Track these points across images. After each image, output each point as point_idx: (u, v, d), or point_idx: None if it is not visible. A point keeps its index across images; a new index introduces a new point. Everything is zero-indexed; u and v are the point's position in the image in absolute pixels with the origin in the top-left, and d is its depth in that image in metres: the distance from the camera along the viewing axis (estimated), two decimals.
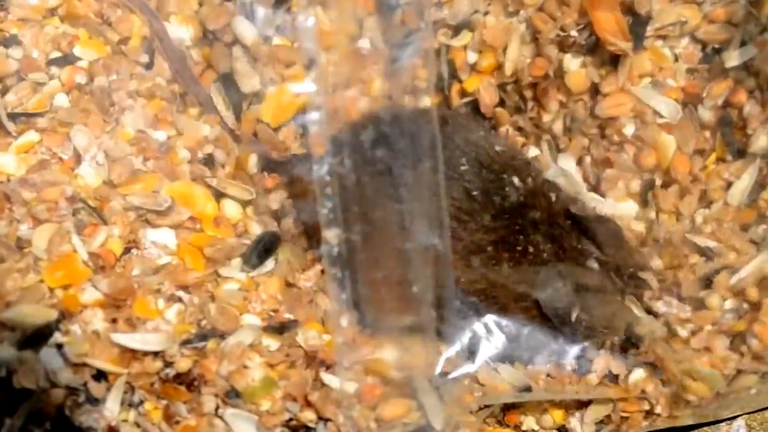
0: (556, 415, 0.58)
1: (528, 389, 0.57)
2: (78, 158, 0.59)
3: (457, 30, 0.66)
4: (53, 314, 0.53)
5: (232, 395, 0.54)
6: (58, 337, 0.53)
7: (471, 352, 0.57)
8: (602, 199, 0.63)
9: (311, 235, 0.61)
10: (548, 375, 0.58)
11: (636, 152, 0.63)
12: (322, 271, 0.59)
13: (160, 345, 0.54)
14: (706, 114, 0.63)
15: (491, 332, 0.58)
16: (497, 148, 0.60)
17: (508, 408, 0.59)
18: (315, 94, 0.52)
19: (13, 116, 0.60)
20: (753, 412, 0.62)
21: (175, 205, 0.58)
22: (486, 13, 0.65)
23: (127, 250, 0.57)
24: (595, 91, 0.64)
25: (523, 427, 0.59)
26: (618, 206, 0.63)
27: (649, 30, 0.62)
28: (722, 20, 0.63)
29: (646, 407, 0.57)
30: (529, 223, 0.58)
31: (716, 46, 0.63)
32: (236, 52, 0.63)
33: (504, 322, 0.58)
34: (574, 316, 0.57)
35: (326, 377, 0.55)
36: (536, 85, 0.65)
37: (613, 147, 0.64)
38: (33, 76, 0.62)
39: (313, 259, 0.61)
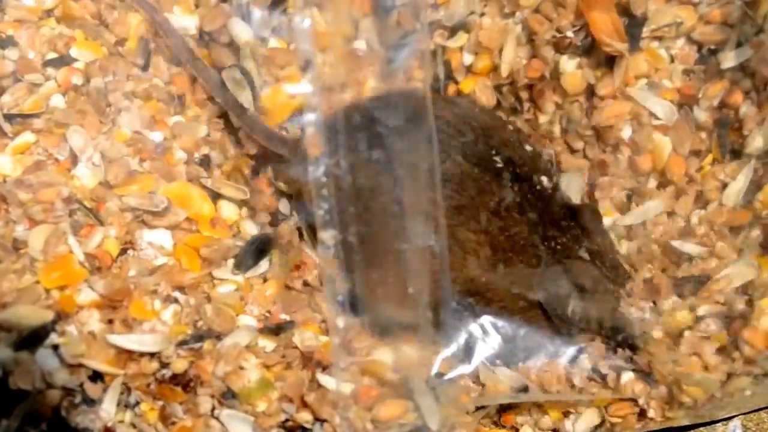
0: (552, 416, 0.58)
1: (524, 390, 0.57)
2: (74, 159, 0.59)
3: (453, 31, 0.65)
4: (49, 315, 0.54)
5: (228, 396, 0.54)
6: (54, 338, 0.53)
7: (467, 353, 0.57)
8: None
9: (308, 236, 0.62)
10: (544, 376, 0.58)
11: (631, 154, 0.63)
12: (319, 272, 0.59)
13: (156, 346, 0.54)
14: (702, 115, 0.63)
15: (487, 333, 0.58)
16: (494, 146, 0.60)
17: (504, 409, 0.59)
18: (311, 95, 0.52)
19: (9, 117, 0.60)
20: (749, 413, 0.62)
21: (171, 206, 0.58)
22: (482, 15, 0.65)
23: (123, 251, 0.57)
24: (591, 92, 0.64)
25: (519, 428, 0.59)
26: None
27: (645, 31, 0.62)
28: (718, 21, 0.63)
29: (639, 409, 0.57)
30: (526, 223, 0.58)
31: (712, 47, 0.63)
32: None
33: (500, 323, 0.58)
34: (571, 313, 0.57)
35: (323, 378, 0.55)
36: (532, 86, 0.65)
37: (608, 148, 0.64)
38: (29, 77, 0.61)
39: (309, 260, 0.61)
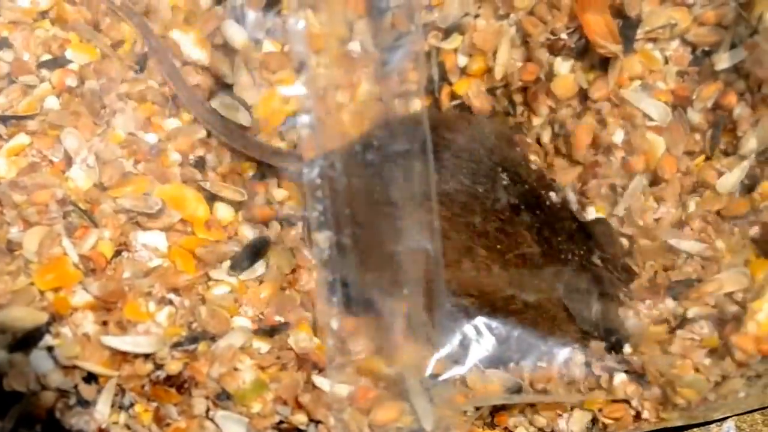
0: (546, 417, 0.58)
1: (518, 391, 0.57)
2: (68, 161, 0.59)
3: (447, 33, 0.65)
4: (44, 317, 0.54)
5: (222, 397, 0.54)
6: (48, 339, 0.53)
7: (461, 354, 0.57)
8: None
9: (302, 238, 0.62)
10: (537, 377, 0.58)
11: (625, 156, 0.63)
12: (313, 274, 0.59)
13: (150, 347, 0.54)
14: (696, 116, 0.63)
15: (481, 334, 0.58)
16: (490, 149, 0.60)
17: (497, 410, 0.59)
18: (305, 98, 0.52)
19: (3, 119, 0.60)
20: (742, 414, 0.62)
21: (165, 208, 0.58)
22: (476, 16, 0.65)
23: (117, 253, 0.57)
24: (584, 96, 0.63)
25: (512, 429, 0.59)
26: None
27: (639, 33, 0.62)
28: (712, 23, 0.63)
29: (633, 410, 0.57)
30: (520, 225, 0.58)
31: (706, 48, 0.63)
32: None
33: (494, 324, 0.58)
34: (596, 318, 0.58)
35: (318, 380, 0.55)
36: (526, 89, 0.65)
37: (600, 150, 0.64)
38: (23, 79, 0.61)
39: (305, 262, 0.61)
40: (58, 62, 0.63)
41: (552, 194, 0.61)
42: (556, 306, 0.58)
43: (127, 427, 0.55)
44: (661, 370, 0.55)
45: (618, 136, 0.63)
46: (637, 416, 0.57)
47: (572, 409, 0.58)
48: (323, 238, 0.53)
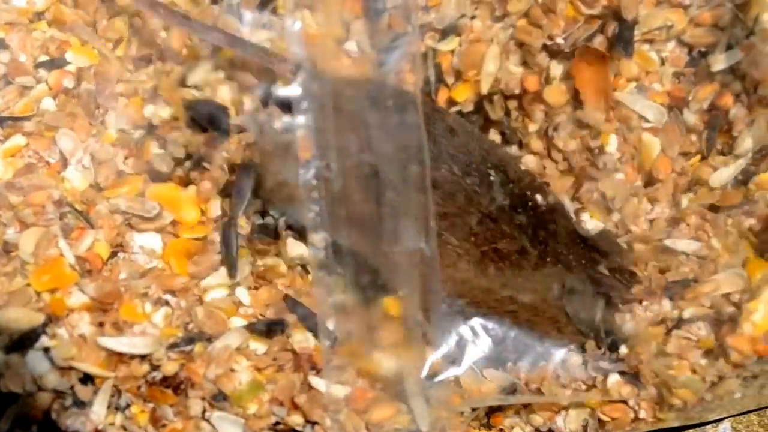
0: (542, 416, 0.58)
1: (513, 392, 0.57)
2: (64, 162, 0.59)
3: (443, 34, 0.65)
4: (40, 318, 0.54)
5: (219, 398, 0.54)
6: (44, 340, 0.53)
7: (457, 355, 0.57)
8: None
9: (298, 238, 0.62)
10: (533, 377, 0.58)
11: (619, 160, 0.63)
12: (309, 275, 0.60)
13: (147, 348, 0.54)
14: (692, 118, 0.63)
15: (477, 335, 0.58)
16: (486, 150, 0.60)
17: (493, 410, 0.59)
18: (301, 98, 0.52)
19: None
20: (739, 415, 0.62)
21: (161, 210, 0.58)
22: (473, 18, 0.65)
23: (113, 254, 0.57)
24: (578, 101, 0.63)
25: (508, 430, 0.59)
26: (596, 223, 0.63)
27: (636, 34, 0.62)
28: (708, 24, 0.63)
29: (630, 411, 0.57)
30: (516, 226, 0.58)
31: (702, 49, 0.63)
32: None
33: (490, 325, 0.58)
34: (598, 321, 0.58)
35: (314, 380, 0.55)
36: (521, 94, 0.65)
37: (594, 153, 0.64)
38: (20, 80, 0.61)
39: (300, 263, 0.61)
40: (55, 63, 0.63)
41: (546, 197, 0.61)
42: (553, 307, 0.58)
43: (124, 428, 0.55)
44: (657, 370, 0.55)
45: (612, 143, 0.63)
46: (635, 416, 0.57)
47: (568, 409, 0.58)
48: (319, 239, 0.53)
